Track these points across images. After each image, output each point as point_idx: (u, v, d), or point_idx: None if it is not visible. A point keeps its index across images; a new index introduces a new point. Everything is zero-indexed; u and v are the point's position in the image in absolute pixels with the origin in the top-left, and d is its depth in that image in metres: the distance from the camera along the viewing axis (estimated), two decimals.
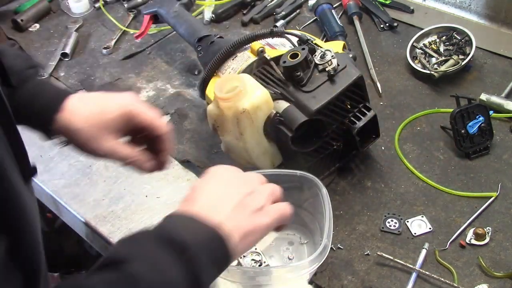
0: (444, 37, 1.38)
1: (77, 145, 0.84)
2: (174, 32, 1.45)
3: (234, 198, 0.72)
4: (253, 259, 0.98)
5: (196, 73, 1.42)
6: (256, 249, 0.99)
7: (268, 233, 0.75)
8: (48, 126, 0.83)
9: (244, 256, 0.98)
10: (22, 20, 1.58)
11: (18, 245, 0.62)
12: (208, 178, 0.75)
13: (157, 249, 0.62)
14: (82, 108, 0.83)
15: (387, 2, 1.55)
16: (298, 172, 0.98)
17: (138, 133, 0.88)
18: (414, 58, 1.37)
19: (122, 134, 0.86)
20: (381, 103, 1.28)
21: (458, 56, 1.31)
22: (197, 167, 1.18)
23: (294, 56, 1.01)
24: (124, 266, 0.59)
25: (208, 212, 0.68)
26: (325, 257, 0.88)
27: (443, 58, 1.33)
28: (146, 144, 0.90)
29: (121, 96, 0.86)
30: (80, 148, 0.85)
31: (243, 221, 0.71)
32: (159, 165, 0.90)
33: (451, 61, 1.30)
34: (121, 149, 0.84)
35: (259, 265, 0.97)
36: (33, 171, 0.71)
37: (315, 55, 1.02)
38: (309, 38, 1.08)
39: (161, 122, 0.87)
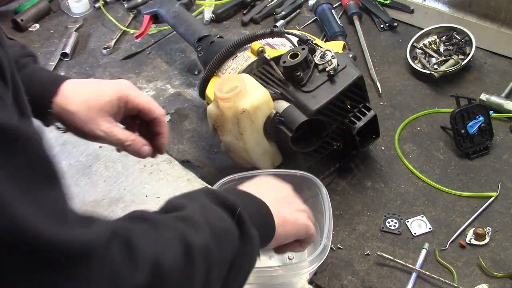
0: (444, 37, 1.38)
1: (74, 128, 0.85)
2: (174, 32, 1.45)
3: (279, 193, 0.81)
4: None
5: (196, 73, 1.42)
6: None
7: (302, 234, 0.82)
8: (46, 110, 0.83)
9: None
10: (22, 20, 1.58)
11: None
12: (255, 180, 0.83)
13: (207, 201, 0.69)
14: (78, 92, 0.84)
15: (387, 2, 1.55)
16: (298, 172, 0.98)
17: (133, 119, 0.90)
18: (414, 58, 1.37)
19: (118, 118, 0.87)
20: (381, 103, 1.28)
21: (458, 56, 1.31)
22: (197, 167, 1.18)
23: (294, 56, 1.01)
24: (182, 211, 0.64)
25: (254, 193, 0.76)
26: (325, 257, 0.88)
27: (443, 58, 1.33)
28: (141, 131, 0.91)
29: (115, 81, 0.88)
30: (77, 132, 0.85)
31: (285, 211, 0.79)
32: (157, 150, 0.91)
33: (451, 61, 1.30)
34: (118, 131, 0.85)
35: None
36: None
37: (315, 55, 1.02)
38: (309, 38, 1.08)
39: (155, 105, 0.88)
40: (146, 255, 0.53)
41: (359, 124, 1.04)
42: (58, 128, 0.87)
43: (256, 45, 1.09)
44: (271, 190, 0.81)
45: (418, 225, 1.03)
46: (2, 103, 0.47)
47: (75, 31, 1.56)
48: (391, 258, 0.97)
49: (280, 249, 0.84)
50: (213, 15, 1.57)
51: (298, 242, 0.85)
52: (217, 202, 0.69)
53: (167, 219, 0.62)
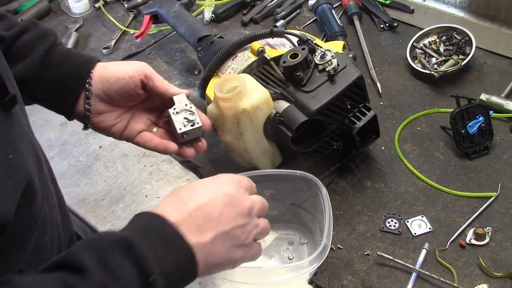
0: (444, 37, 1.38)
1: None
2: (174, 32, 1.45)
3: (224, 225, 0.69)
4: (186, 118, 0.89)
5: (196, 73, 1.42)
6: (191, 107, 0.89)
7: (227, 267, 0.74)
8: (86, 80, 0.85)
9: (177, 113, 0.88)
10: (22, 20, 1.58)
11: None
12: (208, 187, 0.71)
13: (117, 260, 0.59)
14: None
15: (387, 2, 1.55)
16: (298, 172, 0.98)
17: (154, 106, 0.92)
18: (414, 58, 1.37)
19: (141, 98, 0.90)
20: (381, 103, 1.28)
21: (458, 56, 1.31)
22: (197, 167, 1.18)
23: (294, 56, 1.01)
24: (76, 277, 0.56)
25: (189, 230, 0.65)
26: (325, 257, 0.88)
27: (443, 58, 1.33)
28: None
29: (136, 62, 0.90)
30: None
31: (219, 254, 0.69)
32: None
33: (451, 61, 1.30)
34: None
35: (191, 125, 0.88)
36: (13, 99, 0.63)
37: (315, 55, 1.02)
38: (309, 38, 1.08)
39: (175, 88, 0.90)
40: None
41: (359, 124, 1.04)
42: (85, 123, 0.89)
43: (256, 45, 1.09)
44: (222, 213, 0.69)
45: (418, 225, 1.03)
46: None
47: (75, 31, 1.56)
48: (391, 258, 0.97)
49: None
50: (213, 15, 1.57)
51: None
52: (132, 263, 0.59)
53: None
